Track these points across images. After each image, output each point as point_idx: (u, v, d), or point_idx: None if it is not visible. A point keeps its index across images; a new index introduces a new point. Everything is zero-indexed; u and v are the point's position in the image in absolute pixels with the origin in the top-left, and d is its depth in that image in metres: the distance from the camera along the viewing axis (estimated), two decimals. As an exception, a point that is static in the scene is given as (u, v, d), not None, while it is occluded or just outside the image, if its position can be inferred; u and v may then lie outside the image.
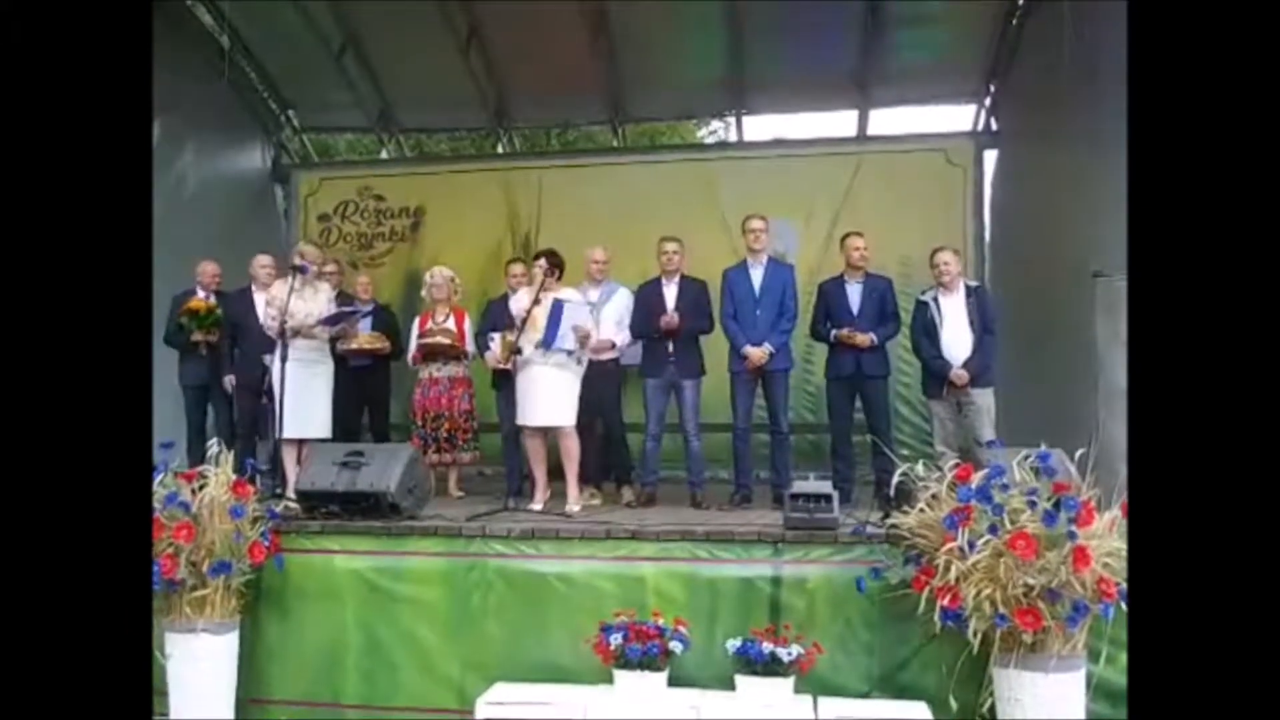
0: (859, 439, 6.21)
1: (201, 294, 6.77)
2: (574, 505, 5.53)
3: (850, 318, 6.07)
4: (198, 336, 6.62)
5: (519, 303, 5.69)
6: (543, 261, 5.67)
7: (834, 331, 6.04)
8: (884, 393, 6.19)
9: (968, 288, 5.99)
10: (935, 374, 5.86)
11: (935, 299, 5.93)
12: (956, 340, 5.82)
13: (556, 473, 5.72)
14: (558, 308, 5.46)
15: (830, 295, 6.20)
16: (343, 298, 6.80)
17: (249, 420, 6.54)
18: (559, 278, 5.70)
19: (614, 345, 6.31)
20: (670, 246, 6.24)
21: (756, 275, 6.14)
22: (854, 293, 6.13)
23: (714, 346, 6.38)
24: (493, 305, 6.76)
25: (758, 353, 5.94)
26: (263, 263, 6.65)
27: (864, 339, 5.96)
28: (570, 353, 5.53)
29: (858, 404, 6.17)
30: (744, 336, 6.01)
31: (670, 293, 6.18)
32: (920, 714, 3.95)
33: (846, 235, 6.33)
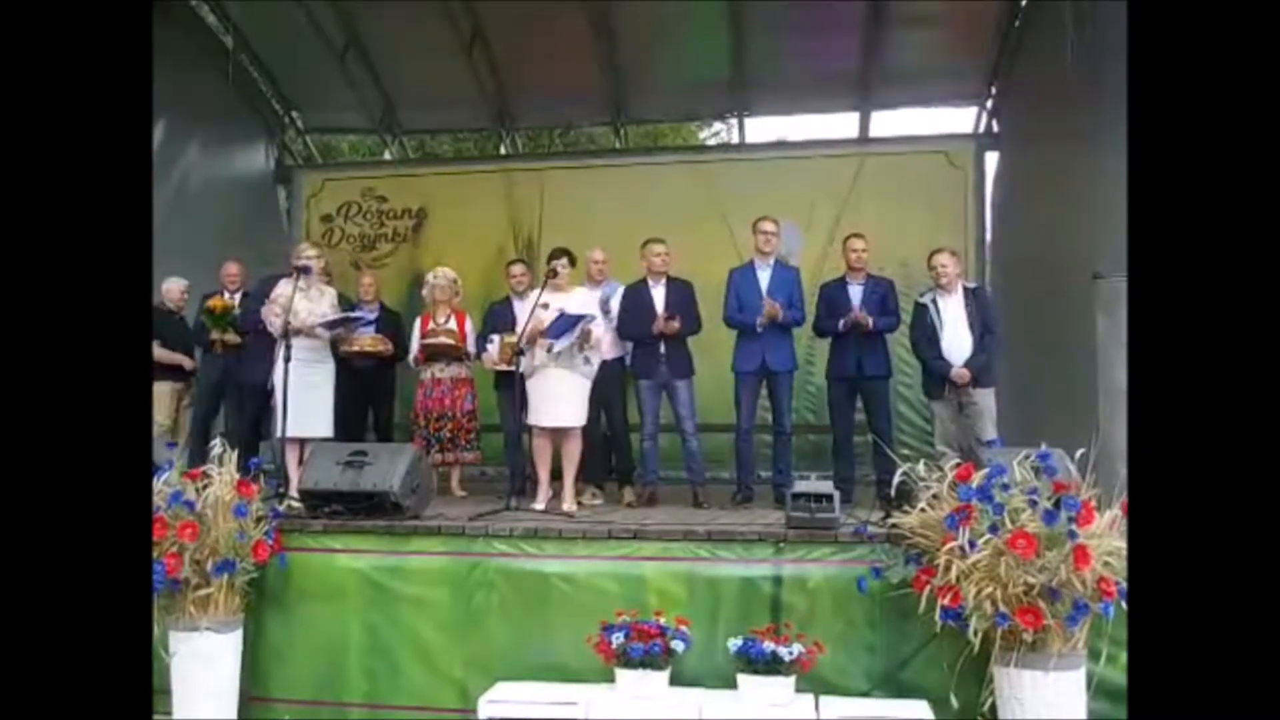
0: (860, 439, 6.22)
1: (226, 294, 6.82)
2: (570, 505, 5.56)
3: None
4: (215, 335, 6.65)
5: (529, 304, 5.70)
6: (565, 260, 5.71)
7: (843, 320, 6.02)
8: (885, 393, 6.21)
9: (966, 289, 6.01)
10: (936, 375, 5.88)
11: (934, 300, 5.95)
12: (956, 341, 5.84)
13: (559, 473, 5.75)
14: (572, 318, 5.48)
15: (832, 295, 6.21)
16: (342, 301, 6.86)
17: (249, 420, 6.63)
18: (558, 276, 5.72)
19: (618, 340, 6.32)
20: (659, 248, 6.25)
21: (763, 276, 6.15)
22: (855, 293, 6.14)
23: (715, 348, 6.40)
24: (495, 307, 6.77)
25: (773, 306, 5.93)
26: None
27: (865, 319, 5.95)
28: (583, 354, 5.55)
29: (859, 404, 6.18)
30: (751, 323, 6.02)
31: (658, 294, 6.20)
32: (921, 713, 3.95)
33: (848, 237, 6.35)
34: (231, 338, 6.65)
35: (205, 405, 6.83)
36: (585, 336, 5.54)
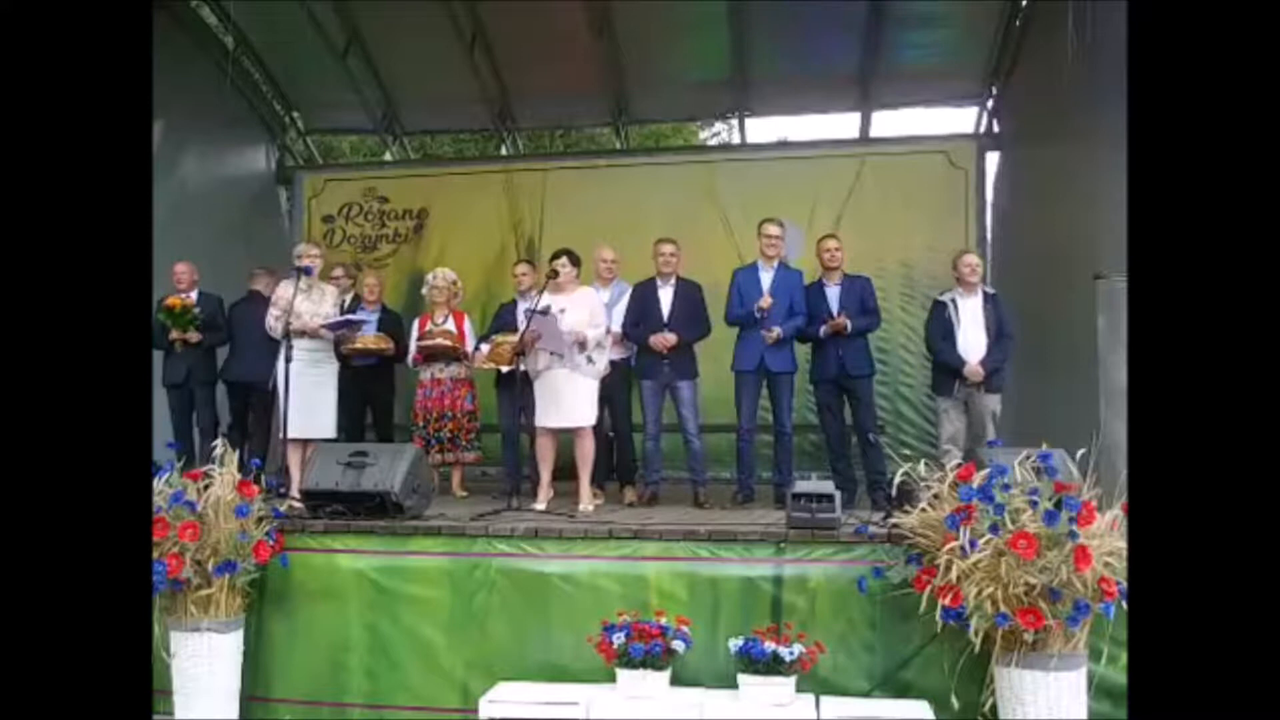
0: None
1: (179, 295, 6.77)
2: (587, 505, 5.56)
3: (832, 319, 6.04)
4: (175, 335, 6.64)
5: (527, 306, 5.70)
6: (564, 260, 5.70)
7: (823, 327, 6.01)
8: (869, 391, 6.19)
9: (985, 294, 5.99)
10: (948, 368, 5.85)
11: (953, 300, 5.94)
12: (972, 342, 5.84)
13: (559, 473, 5.75)
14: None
15: (811, 299, 6.18)
16: (356, 300, 6.96)
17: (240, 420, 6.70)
18: (559, 277, 5.72)
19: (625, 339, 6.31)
20: (667, 248, 6.23)
21: (766, 278, 6.13)
22: (833, 295, 6.12)
23: (717, 348, 6.39)
24: (504, 308, 6.77)
25: (839, 320, 5.92)
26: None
27: (844, 323, 5.95)
28: (585, 355, 5.55)
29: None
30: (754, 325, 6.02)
31: (666, 295, 6.18)
32: (922, 713, 3.95)
33: (822, 238, 6.34)
34: (193, 336, 6.64)
35: (180, 408, 6.77)
36: (582, 340, 5.53)
